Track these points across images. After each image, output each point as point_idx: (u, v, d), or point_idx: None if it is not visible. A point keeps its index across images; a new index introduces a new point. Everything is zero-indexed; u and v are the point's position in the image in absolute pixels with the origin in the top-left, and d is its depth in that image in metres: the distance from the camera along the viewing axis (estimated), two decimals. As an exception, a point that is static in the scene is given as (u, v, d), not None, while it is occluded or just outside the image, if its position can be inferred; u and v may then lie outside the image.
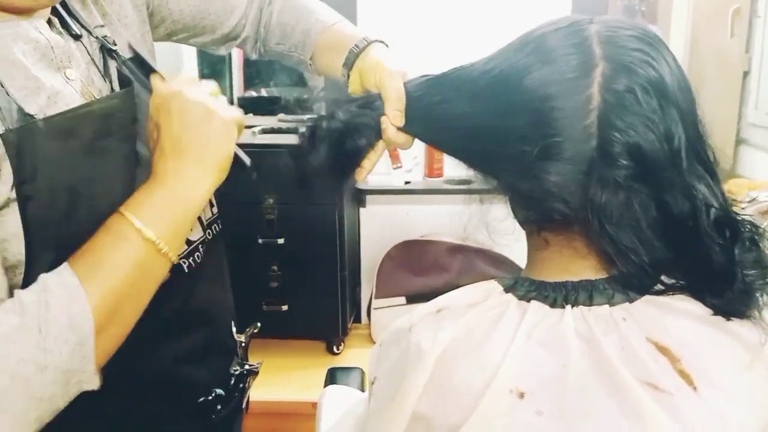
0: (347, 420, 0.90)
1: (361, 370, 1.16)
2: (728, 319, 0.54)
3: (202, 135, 0.65)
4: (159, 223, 0.62)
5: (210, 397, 0.82)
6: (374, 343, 2.12)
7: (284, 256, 1.83)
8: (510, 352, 0.53)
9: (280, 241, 1.82)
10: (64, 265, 0.59)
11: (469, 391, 0.53)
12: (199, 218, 0.80)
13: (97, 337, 0.57)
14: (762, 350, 0.53)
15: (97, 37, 0.73)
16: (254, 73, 2.53)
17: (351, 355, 1.92)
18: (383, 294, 1.98)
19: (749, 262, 0.54)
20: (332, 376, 1.16)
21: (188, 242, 0.77)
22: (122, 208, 0.62)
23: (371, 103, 0.74)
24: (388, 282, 1.98)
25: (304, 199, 1.78)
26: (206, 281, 0.82)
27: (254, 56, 1.00)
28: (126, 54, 0.76)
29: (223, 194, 1.98)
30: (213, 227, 0.85)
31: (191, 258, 0.77)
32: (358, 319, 2.11)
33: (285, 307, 1.86)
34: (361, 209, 2.08)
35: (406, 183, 2.02)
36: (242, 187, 1.84)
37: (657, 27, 2.28)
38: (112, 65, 0.74)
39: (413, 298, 1.93)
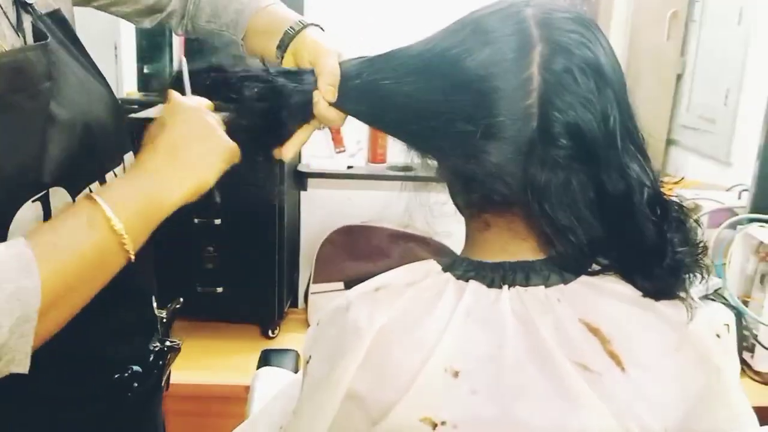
0: (279, 400, 0.88)
1: (296, 352, 1.15)
2: (657, 300, 0.55)
3: (200, 151, 0.66)
4: (130, 217, 0.61)
5: (126, 375, 0.80)
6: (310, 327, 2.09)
7: (221, 237, 1.80)
8: (447, 331, 0.53)
9: (217, 221, 1.78)
10: (20, 238, 0.56)
11: (405, 369, 0.53)
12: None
13: (39, 318, 0.54)
14: (687, 329, 0.55)
15: None
16: (196, 47, 2.46)
17: (286, 339, 1.90)
18: (321, 279, 1.97)
19: (678, 241, 0.56)
20: (266, 358, 1.14)
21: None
22: (96, 192, 0.61)
23: (302, 78, 0.72)
24: (327, 267, 1.97)
25: (243, 180, 1.74)
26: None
27: (179, 32, 0.97)
28: (43, 10, 0.73)
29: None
30: None
31: None
32: (295, 304, 2.09)
33: (220, 290, 1.82)
34: (302, 193, 2.06)
35: (349, 168, 2.01)
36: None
37: (598, 27, 2.34)
38: (27, 20, 0.70)
39: (351, 284, 1.92)
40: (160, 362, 0.87)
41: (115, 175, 0.76)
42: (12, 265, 0.53)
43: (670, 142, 2.19)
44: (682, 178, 1.93)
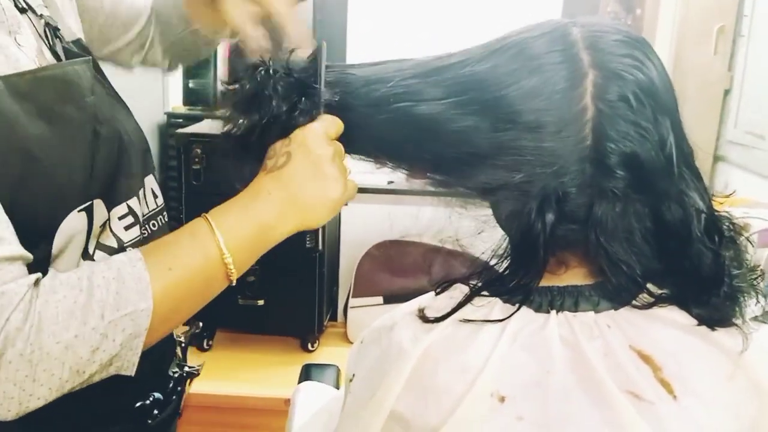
0: (321, 416, 0.89)
1: (337, 367, 1.16)
2: (712, 329, 0.54)
3: (316, 195, 0.67)
4: (239, 245, 0.64)
5: (147, 402, 0.81)
6: (349, 342, 2.12)
7: (263, 250, 1.81)
8: (493, 355, 0.53)
9: (260, 235, 1.80)
10: (140, 254, 0.61)
11: (450, 393, 0.53)
12: (134, 214, 0.77)
13: (146, 333, 0.59)
14: (741, 358, 0.53)
15: (41, 15, 0.72)
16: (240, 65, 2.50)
17: (326, 353, 1.91)
18: (360, 293, 1.98)
19: (732, 262, 0.54)
20: (307, 373, 1.15)
21: (120, 246, 0.74)
22: (212, 215, 0.65)
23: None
24: (366, 281, 1.97)
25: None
26: None
27: (167, 67, 1.02)
28: (67, 38, 0.75)
29: (203, 185, 1.96)
30: (152, 223, 0.83)
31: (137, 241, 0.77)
32: (334, 318, 2.10)
33: (261, 302, 1.84)
34: (343, 207, 2.07)
35: (389, 183, 2.02)
36: (225, 178, 1.82)
37: (642, 41, 2.31)
38: (58, 44, 0.72)
39: (390, 299, 1.93)
40: (179, 388, 0.88)
41: (144, 194, 0.78)
42: (131, 286, 0.58)
43: (717, 158, 2.14)
44: (733, 192, 1.87)
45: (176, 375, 0.88)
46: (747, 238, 0.58)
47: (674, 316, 0.54)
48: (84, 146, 0.66)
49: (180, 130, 1.81)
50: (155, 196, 0.84)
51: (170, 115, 3.07)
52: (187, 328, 0.92)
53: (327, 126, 0.67)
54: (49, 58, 0.69)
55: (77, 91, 0.65)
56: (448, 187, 0.61)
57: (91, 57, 0.71)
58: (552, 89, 0.52)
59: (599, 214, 0.51)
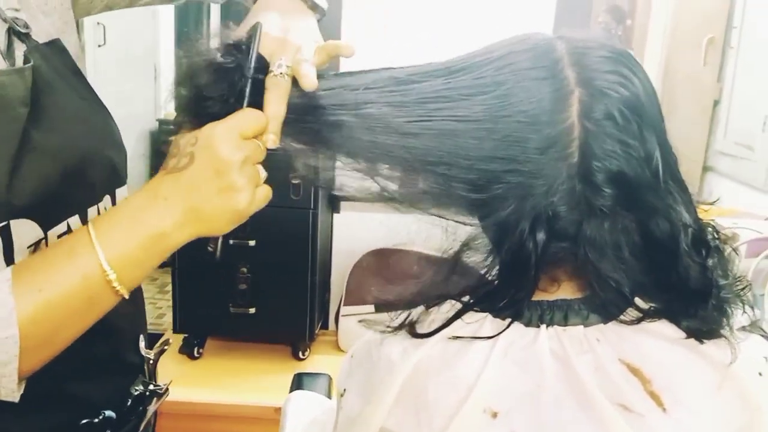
0: (313, 428, 0.89)
1: (329, 376, 1.16)
2: (701, 342, 0.54)
3: (224, 206, 0.60)
4: (126, 256, 0.57)
5: (96, 420, 0.73)
6: (341, 350, 2.11)
7: (254, 258, 1.81)
8: (484, 371, 0.53)
9: (251, 242, 1.80)
10: (8, 275, 0.56)
11: (441, 409, 0.53)
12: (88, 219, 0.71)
13: (25, 356, 0.55)
14: (730, 369, 0.54)
15: (4, 19, 0.66)
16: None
17: (317, 361, 1.91)
18: (352, 301, 1.98)
19: (718, 271, 0.55)
20: (299, 382, 1.15)
21: None
22: (94, 225, 0.59)
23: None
24: (358, 289, 1.97)
25: (279, 201, 1.77)
26: None
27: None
28: (43, 40, 0.69)
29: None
30: None
31: None
32: (325, 326, 2.10)
33: (252, 310, 1.84)
34: (335, 215, 2.07)
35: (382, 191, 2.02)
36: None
37: (632, 51, 2.33)
38: (20, 48, 0.66)
39: (382, 307, 1.93)
40: (140, 408, 0.79)
41: (98, 210, 0.72)
42: None
43: (706, 168, 2.16)
44: (717, 200, 1.88)
45: (137, 393, 0.79)
46: (733, 248, 0.58)
47: (663, 329, 0.55)
48: (7, 157, 0.59)
49: (174, 137, 1.80)
50: None
51: (162, 122, 3.07)
52: (158, 344, 0.85)
53: (242, 124, 0.60)
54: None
55: (4, 103, 0.60)
56: (437, 202, 0.59)
57: (24, 65, 0.64)
58: (539, 106, 0.52)
59: (588, 232, 0.52)
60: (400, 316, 0.60)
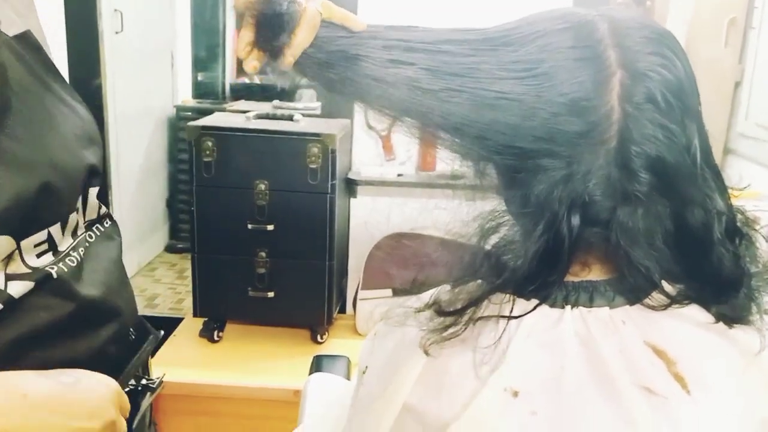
0: (333, 409, 0.90)
1: (347, 358, 1.17)
2: (730, 327, 0.54)
3: (84, 393, 0.60)
4: None
5: None
6: (359, 334, 2.12)
7: (273, 242, 1.83)
8: (508, 350, 0.53)
9: (270, 227, 1.81)
10: None
11: (463, 387, 0.53)
12: (51, 241, 0.67)
13: None
14: (758, 356, 0.53)
15: None
16: (250, 71, 2.51)
17: (335, 344, 1.92)
18: (370, 285, 1.98)
19: (747, 258, 0.54)
20: (318, 364, 1.16)
21: (55, 253, 0.67)
22: None
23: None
24: (376, 274, 1.98)
25: (296, 186, 1.78)
26: (91, 284, 0.70)
27: None
28: (11, 30, 0.66)
29: (214, 177, 1.96)
30: (97, 227, 0.76)
31: (61, 263, 0.67)
32: (343, 310, 2.11)
33: (271, 294, 1.85)
34: (352, 200, 2.08)
35: (399, 175, 2.02)
36: (233, 171, 1.84)
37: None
38: None
39: (399, 291, 1.94)
40: (133, 402, 0.76)
41: (85, 209, 0.70)
42: None
43: (727, 151, 2.13)
44: (748, 185, 1.86)
45: (129, 388, 0.77)
46: (762, 234, 0.57)
47: (691, 312, 0.54)
48: None
49: (191, 123, 1.81)
50: (99, 207, 0.76)
51: (180, 109, 3.09)
52: (150, 340, 0.83)
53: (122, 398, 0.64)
54: None
55: None
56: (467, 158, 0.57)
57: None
58: (580, 88, 0.51)
59: (621, 218, 0.50)
60: (425, 295, 0.61)
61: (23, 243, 0.62)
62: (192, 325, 1.98)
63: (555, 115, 0.51)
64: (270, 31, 0.64)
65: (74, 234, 0.71)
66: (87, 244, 0.73)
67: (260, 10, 0.64)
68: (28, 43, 0.67)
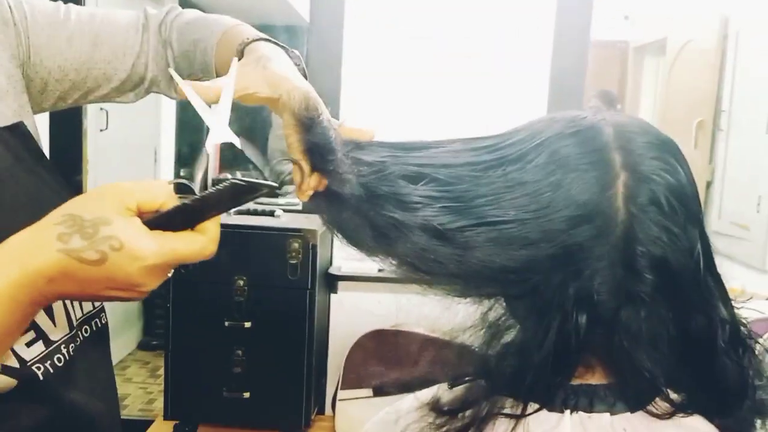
0: None
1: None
2: None
3: (115, 298, 0.52)
4: None
5: None
6: (336, 437, 2.01)
7: (250, 340, 1.78)
8: None
9: (247, 324, 1.77)
10: None
11: None
12: (66, 312, 0.66)
13: None
14: None
15: None
16: (230, 156, 2.55)
17: (312, 448, 1.84)
18: (350, 385, 1.93)
19: (756, 374, 0.52)
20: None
21: (46, 342, 0.63)
22: None
23: None
24: (356, 372, 1.93)
25: (276, 282, 1.76)
26: (77, 389, 0.68)
27: (174, 96, 0.86)
28: (1, 123, 0.66)
29: (191, 272, 1.93)
30: (92, 323, 0.72)
31: (49, 362, 0.64)
32: (321, 411, 2.04)
33: (247, 395, 1.79)
34: (332, 295, 2.05)
35: (380, 270, 2.01)
36: (211, 267, 1.81)
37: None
38: None
39: (380, 391, 1.88)
40: None
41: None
42: None
43: (703, 248, 2.17)
44: (743, 293, 1.86)
45: None
46: (765, 347, 0.56)
47: (694, 423, 0.52)
48: None
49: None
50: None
51: (160, 203, 3.09)
52: None
53: (179, 257, 0.53)
54: None
55: None
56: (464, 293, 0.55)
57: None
58: (588, 194, 0.51)
59: (625, 318, 0.49)
60: (421, 394, 0.58)
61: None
62: (162, 428, 1.89)
63: (568, 230, 0.51)
64: (323, 157, 0.58)
65: (69, 323, 0.68)
66: (78, 341, 0.70)
67: (316, 141, 0.58)
68: (18, 132, 0.67)
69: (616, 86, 3.76)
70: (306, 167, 0.59)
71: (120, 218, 0.50)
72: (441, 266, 0.54)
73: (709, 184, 2.19)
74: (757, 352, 0.54)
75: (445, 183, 0.55)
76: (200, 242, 0.55)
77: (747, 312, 1.50)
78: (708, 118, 2.14)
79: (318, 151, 0.58)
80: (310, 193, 0.60)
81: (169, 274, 0.55)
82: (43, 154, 0.72)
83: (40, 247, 0.49)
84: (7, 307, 0.49)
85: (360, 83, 1.99)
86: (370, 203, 0.56)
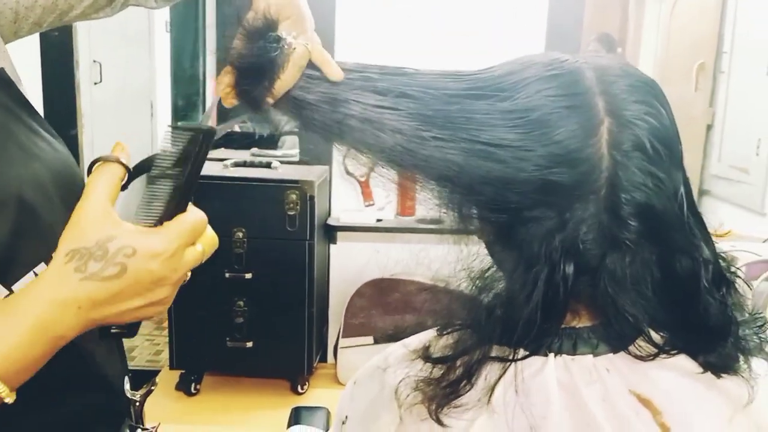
0: (313, 463, 0.87)
1: (327, 410, 1.13)
2: (718, 377, 0.53)
3: (141, 316, 0.54)
4: (18, 368, 0.50)
5: None
6: (340, 383, 2.08)
7: (251, 291, 1.80)
8: (490, 399, 0.51)
9: (248, 275, 1.79)
10: None
11: None
12: None
13: None
14: (746, 406, 0.52)
15: None
16: (227, 107, 2.53)
17: (316, 395, 1.88)
18: (351, 333, 1.96)
19: (733, 306, 0.53)
20: (296, 416, 1.12)
21: None
22: None
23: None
24: (357, 321, 1.95)
25: (274, 234, 1.76)
26: (83, 338, 0.69)
27: (154, 5, 0.84)
28: None
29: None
30: None
31: None
32: (324, 359, 2.08)
33: (249, 344, 1.82)
34: (332, 246, 2.07)
35: (378, 221, 2.02)
36: (210, 219, 1.82)
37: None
38: None
39: (381, 338, 1.91)
40: None
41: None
42: None
43: (702, 192, 2.17)
44: (729, 232, 1.87)
45: None
46: (746, 282, 0.57)
47: (678, 361, 0.52)
48: None
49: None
50: None
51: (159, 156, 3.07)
52: (145, 386, 0.80)
53: (187, 237, 0.55)
54: None
55: None
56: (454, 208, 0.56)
57: None
58: (570, 136, 0.50)
59: (610, 265, 0.50)
60: (410, 341, 0.59)
61: (15, 288, 0.59)
62: (169, 377, 1.93)
63: (548, 166, 0.51)
64: (252, 78, 0.61)
65: None
66: None
67: (248, 59, 0.61)
68: (1, 80, 0.66)
69: (616, 31, 3.69)
70: (227, 79, 0.61)
71: (119, 229, 0.52)
72: (414, 165, 0.55)
73: (709, 128, 2.17)
74: (738, 287, 0.55)
75: (416, 98, 0.56)
76: (193, 210, 0.57)
77: (744, 254, 1.49)
78: (709, 60, 2.10)
79: (246, 75, 0.61)
80: (231, 92, 0.63)
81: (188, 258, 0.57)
82: (28, 101, 0.70)
83: (62, 282, 0.51)
84: (38, 341, 0.51)
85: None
86: (334, 108, 0.59)
